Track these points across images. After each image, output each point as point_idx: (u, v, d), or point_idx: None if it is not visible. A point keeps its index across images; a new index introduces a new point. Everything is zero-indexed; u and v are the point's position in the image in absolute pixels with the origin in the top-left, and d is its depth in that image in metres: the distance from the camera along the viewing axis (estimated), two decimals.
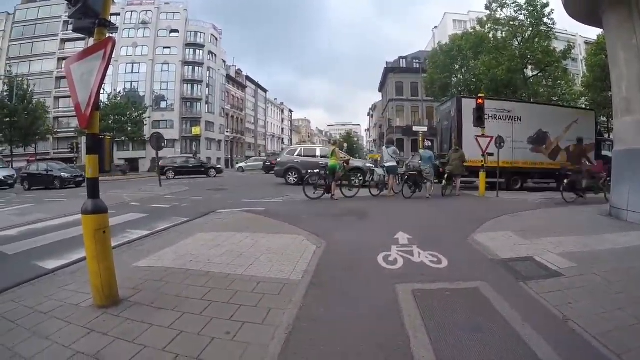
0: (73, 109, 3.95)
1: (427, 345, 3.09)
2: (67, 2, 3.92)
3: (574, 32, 49.76)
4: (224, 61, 78.36)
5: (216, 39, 74.36)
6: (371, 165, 18.53)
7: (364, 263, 5.46)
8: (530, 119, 18.44)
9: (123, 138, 50.00)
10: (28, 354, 3.01)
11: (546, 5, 30.13)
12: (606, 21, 10.06)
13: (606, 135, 27.14)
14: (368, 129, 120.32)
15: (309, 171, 15.54)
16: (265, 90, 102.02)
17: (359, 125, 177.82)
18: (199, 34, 69.95)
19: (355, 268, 5.25)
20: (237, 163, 52.29)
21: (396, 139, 48.32)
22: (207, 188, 20.19)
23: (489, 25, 33.08)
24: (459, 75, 37.28)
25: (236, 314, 3.68)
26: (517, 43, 32.51)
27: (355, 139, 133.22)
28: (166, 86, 65.48)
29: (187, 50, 67.88)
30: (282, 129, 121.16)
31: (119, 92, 52.67)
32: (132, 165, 56.62)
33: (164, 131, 43.08)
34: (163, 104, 65.14)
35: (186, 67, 67.09)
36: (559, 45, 33.38)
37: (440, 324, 3.47)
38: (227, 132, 76.57)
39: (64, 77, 47.61)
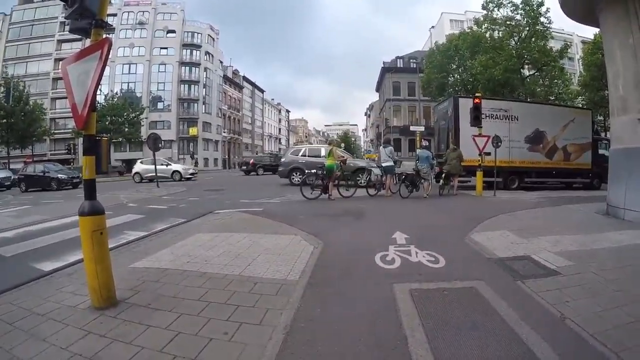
0: (70, 110, 3.93)
1: (424, 345, 3.09)
2: (63, 3, 3.92)
3: (571, 32, 50.08)
4: (221, 61, 78.36)
5: (213, 39, 74.39)
6: (374, 165, 18.49)
7: (362, 263, 5.46)
8: (527, 119, 18.44)
9: (120, 139, 49.95)
10: (26, 356, 3.01)
11: (541, 4, 30.18)
12: (603, 20, 10.09)
13: (603, 134, 27.22)
14: (365, 129, 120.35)
15: (306, 171, 15.51)
16: (262, 91, 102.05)
17: (356, 125, 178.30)
18: (195, 34, 69.99)
19: (352, 268, 5.25)
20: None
21: (393, 139, 48.42)
22: (204, 189, 20.16)
23: (486, 25, 33.14)
24: (456, 75, 37.34)
25: (234, 315, 3.67)
26: (513, 43, 32.60)
27: (353, 139, 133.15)
28: (163, 87, 65.53)
29: (184, 50, 67.91)
30: (280, 129, 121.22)
31: (116, 93, 52.78)
32: (129, 166, 56.52)
33: (161, 132, 43.10)
34: (160, 105, 65.18)
35: (183, 68, 67.10)
36: (555, 45, 33.49)
37: (438, 323, 3.47)
38: (224, 132, 76.53)
39: (60, 78, 47.10)
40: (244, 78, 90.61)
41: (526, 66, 33.94)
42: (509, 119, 18.12)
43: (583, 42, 49.14)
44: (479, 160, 15.05)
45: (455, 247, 6.40)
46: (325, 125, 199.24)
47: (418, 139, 31.43)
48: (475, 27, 34.95)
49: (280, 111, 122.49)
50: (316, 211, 10.67)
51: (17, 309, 3.92)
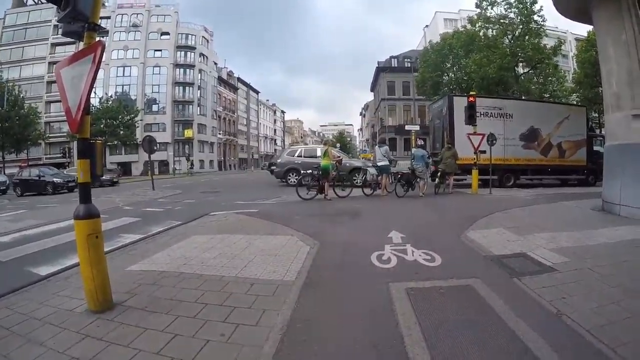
0: (64, 113, 3.93)
1: (421, 344, 3.09)
2: (56, 6, 3.90)
3: (564, 29, 50.18)
4: (216, 63, 78.18)
5: (207, 40, 74.18)
6: (370, 165, 18.51)
7: (358, 263, 5.47)
8: (521, 116, 18.49)
9: (115, 142, 49.81)
10: None
11: (535, 2, 30.24)
12: (596, 17, 10.12)
13: (598, 131, 27.30)
14: (361, 129, 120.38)
15: (302, 172, 15.52)
16: (257, 92, 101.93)
17: (351, 125, 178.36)
18: (190, 36, 69.74)
19: (349, 268, 5.26)
20: None
21: (389, 138, 48.51)
22: (200, 191, 20.14)
23: (480, 23, 33.14)
24: (450, 74, 37.32)
25: (230, 316, 3.67)
26: (507, 41, 32.60)
27: (348, 139, 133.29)
28: (158, 89, 65.25)
29: (178, 52, 67.67)
30: (275, 130, 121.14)
31: (111, 96, 52.55)
32: (125, 169, 56.42)
33: (156, 134, 43.07)
34: (155, 107, 64.89)
35: (177, 70, 66.86)
36: (549, 42, 33.51)
37: (435, 322, 3.48)
38: (219, 134, 76.39)
39: (54, 82, 47.32)
40: (239, 79, 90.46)
41: (520, 64, 33.95)
42: (503, 117, 18.16)
43: (577, 39, 49.18)
44: (474, 159, 15.09)
45: (451, 245, 6.42)
46: (321, 126, 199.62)
47: (413, 138, 31.57)
48: (469, 26, 34.94)
49: (275, 112, 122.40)
50: (312, 211, 10.68)
51: (14, 314, 3.90)
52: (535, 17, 30.66)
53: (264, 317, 3.65)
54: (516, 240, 6.51)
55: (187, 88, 67.54)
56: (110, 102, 49.55)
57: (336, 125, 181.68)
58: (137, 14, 65.78)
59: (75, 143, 36.97)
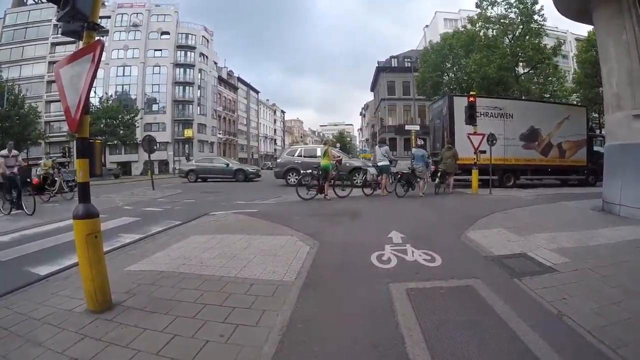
0: (63, 113, 3.91)
1: (421, 344, 3.08)
2: (55, 5, 3.89)
3: (565, 29, 50.21)
4: (216, 63, 78.17)
5: (207, 40, 74.18)
6: (370, 165, 18.50)
7: (358, 263, 5.46)
8: (521, 116, 18.52)
9: (115, 141, 49.81)
10: None
11: (535, 2, 30.28)
12: (596, 17, 10.13)
13: (598, 131, 27.31)
14: (360, 129, 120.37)
15: (302, 172, 15.53)
16: (257, 92, 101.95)
17: (351, 125, 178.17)
18: (190, 35, 69.75)
19: (348, 268, 5.25)
20: None
21: (389, 138, 48.55)
22: (200, 191, 20.13)
23: (480, 23, 33.20)
24: (450, 74, 37.36)
25: (230, 317, 3.66)
26: (508, 41, 32.67)
27: (348, 139, 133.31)
28: (158, 89, 65.31)
29: (178, 52, 67.70)
30: (275, 130, 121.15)
31: (111, 95, 52.56)
32: (125, 168, 56.41)
33: (156, 134, 42.99)
34: (155, 107, 64.96)
35: (177, 69, 66.90)
36: (549, 42, 33.54)
37: (435, 322, 3.47)
38: (219, 134, 76.41)
39: (54, 81, 47.16)
40: (239, 79, 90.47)
41: (520, 64, 34.04)
42: (503, 117, 18.20)
43: (577, 39, 49.19)
44: (474, 159, 15.10)
45: (452, 245, 6.42)
46: (321, 126, 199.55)
47: (413, 138, 31.56)
48: (469, 26, 34.98)
49: (275, 112, 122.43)
50: (312, 211, 10.68)
51: (13, 314, 3.89)
52: (536, 17, 30.70)
53: (264, 318, 3.63)
54: (516, 241, 6.51)
55: (187, 88, 67.58)
56: (110, 102, 49.56)
57: (336, 125, 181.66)
58: (137, 13, 65.82)
59: (75, 142, 37.38)
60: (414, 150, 16.86)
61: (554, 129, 18.88)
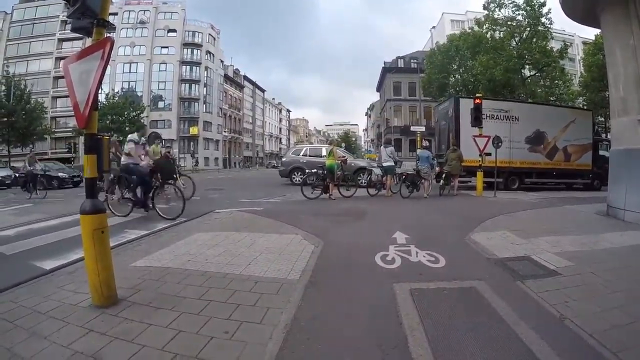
0: (70, 108, 3.94)
1: (424, 344, 3.10)
2: (65, 2, 3.91)
3: (572, 32, 50.15)
4: (222, 61, 78.36)
5: (214, 38, 74.41)
6: (374, 165, 18.49)
7: (362, 262, 5.47)
8: (527, 119, 18.48)
9: (121, 138, 49.95)
10: (27, 354, 3.01)
11: (543, 4, 30.20)
12: (603, 21, 10.10)
13: (604, 135, 27.24)
14: (366, 129, 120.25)
15: (307, 171, 15.54)
16: (263, 90, 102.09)
17: (356, 125, 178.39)
18: (196, 33, 70.00)
19: (353, 267, 5.26)
20: None
21: (394, 139, 48.39)
22: (205, 188, 20.15)
23: (487, 25, 33.13)
24: (456, 75, 37.36)
25: (234, 314, 3.68)
26: (514, 43, 32.59)
27: (353, 139, 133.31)
28: (164, 86, 65.60)
29: (185, 50, 67.96)
30: (280, 128, 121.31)
31: (117, 92, 52.71)
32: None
33: (161, 131, 43.28)
34: (161, 104, 65.27)
35: (184, 67, 67.19)
36: (556, 45, 33.49)
37: (438, 323, 3.48)
38: (224, 132, 76.62)
39: (61, 77, 47.67)
40: (245, 77, 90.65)
41: (527, 67, 33.92)
42: (509, 120, 18.17)
43: (584, 42, 49.15)
44: (479, 161, 15.08)
45: (456, 247, 6.41)
46: (326, 125, 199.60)
47: (419, 139, 31.45)
48: (476, 28, 34.94)
49: (280, 111, 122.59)
50: (317, 211, 10.67)
51: (18, 307, 3.91)
52: (543, 20, 30.62)
53: (268, 315, 3.65)
54: (520, 244, 6.50)
55: (193, 85, 67.79)
56: (117, 99, 49.70)
57: (341, 125, 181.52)
58: (144, 10, 66.17)
59: (80, 138, 37.25)
60: (419, 151, 16.81)
61: (560, 132, 18.84)
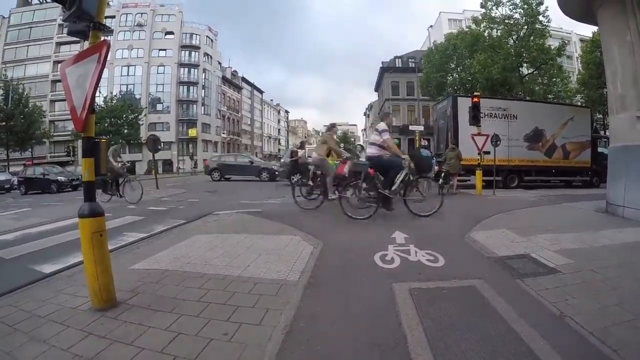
0: (69, 112, 3.93)
1: (424, 344, 3.09)
2: (61, 6, 3.91)
3: (569, 30, 50.15)
4: (220, 63, 78.41)
5: (211, 40, 74.44)
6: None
7: (361, 262, 5.45)
8: (526, 117, 18.49)
9: (119, 141, 49.95)
10: (26, 358, 3.01)
11: (540, 2, 30.23)
12: (600, 18, 10.11)
13: (602, 132, 27.26)
14: (364, 129, 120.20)
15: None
16: (261, 92, 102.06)
17: (355, 125, 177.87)
18: (194, 35, 70.04)
19: (352, 267, 5.25)
20: None
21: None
22: (204, 190, 20.14)
23: (484, 23, 33.19)
24: (454, 74, 37.38)
25: (233, 315, 3.68)
26: (512, 41, 32.63)
27: (352, 139, 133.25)
28: (162, 88, 65.66)
29: (183, 52, 68.01)
30: (279, 129, 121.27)
31: (115, 95, 52.78)
32: (129, 168, 56.34)
33: (160, 133, 43.01)
34: (159, 107, 65.30)
35: (182, 69, 67.22)
36: (554, 43, 33.50)
37: (438, 322, 3.48)
38: (223, 133, 76.66)
39: (59, 81, 47.26)
40: (243, 79, 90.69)
41: (525, 65, 33.97)
42: (507, 118, 18.18)
43: (581, 40, 49.23)
44: (478, 159, 15.09)
45: (455, 246, 6.40)
46: (324, 126, 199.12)
47: (417, 138, 31.47)
48: (473, 26, 34.99)
49: (279, 112, 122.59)
50: (315, 211, 10.66)
51: (18, 311, 3.91)
52: (540, 18, 30.66)
53: (267, 317, 3.65)
54: (520, 242, 6.48)
55: (191, 87, 67.88)
56: (115, 102, 49.71)
57: (340, 125, 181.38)
58: (142, 13, 66.19)
59: (79, 142, 37.31)
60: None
61: (558, 130, 18.85)
